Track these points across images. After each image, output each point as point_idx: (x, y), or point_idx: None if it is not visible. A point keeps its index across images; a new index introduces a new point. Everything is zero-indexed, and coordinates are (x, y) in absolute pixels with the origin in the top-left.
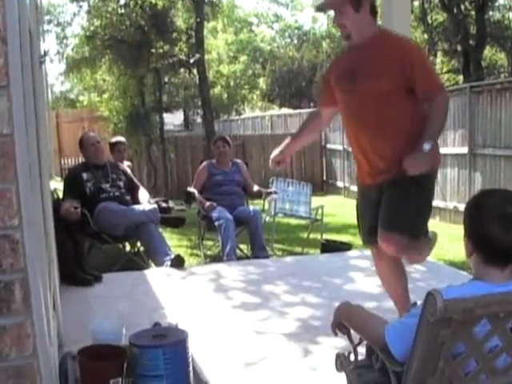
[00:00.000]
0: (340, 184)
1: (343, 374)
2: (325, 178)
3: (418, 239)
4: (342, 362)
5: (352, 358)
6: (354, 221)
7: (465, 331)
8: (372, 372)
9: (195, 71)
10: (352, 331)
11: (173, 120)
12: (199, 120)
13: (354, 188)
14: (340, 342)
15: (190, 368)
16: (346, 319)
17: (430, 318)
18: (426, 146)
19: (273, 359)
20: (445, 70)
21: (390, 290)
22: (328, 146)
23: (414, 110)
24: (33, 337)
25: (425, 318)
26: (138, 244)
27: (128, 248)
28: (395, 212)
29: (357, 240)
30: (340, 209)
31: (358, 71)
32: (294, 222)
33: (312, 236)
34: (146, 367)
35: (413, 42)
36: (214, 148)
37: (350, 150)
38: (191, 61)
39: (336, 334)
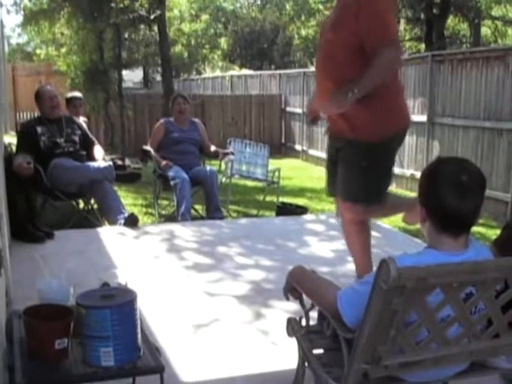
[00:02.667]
0: (298, 147)
1: (294, 339)
2: (283, 141)
3: (377, 203)
4: (293, 326)
5: (304, 323)
6: (311, 185)
7: (418, 300)
8: (323, 338)
9: (156, 28)
10: (304, 296)
11: (132, 77)
12: (159, 78)
13: (313, 152)
14: (292, 306)
15: (139, 330)
16: (299, 283)
17: (384, 285)
18: (343, 93)
19: (224, 322)
20: (407, 37)
21: (350, 248)
22: (288, 109)
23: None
24: None
25: (378, 286)
26: (92, 201)
27: (82, 205)
28: (348, 183)
29: (313, 204)
30: (297, 172)
31: (327, 24)
32: (250, 184)
33: (268, 199)
34: (93, 328)
35: None
36: (173, 105)
37: None
38: (152, 17)
39: (288, 299)
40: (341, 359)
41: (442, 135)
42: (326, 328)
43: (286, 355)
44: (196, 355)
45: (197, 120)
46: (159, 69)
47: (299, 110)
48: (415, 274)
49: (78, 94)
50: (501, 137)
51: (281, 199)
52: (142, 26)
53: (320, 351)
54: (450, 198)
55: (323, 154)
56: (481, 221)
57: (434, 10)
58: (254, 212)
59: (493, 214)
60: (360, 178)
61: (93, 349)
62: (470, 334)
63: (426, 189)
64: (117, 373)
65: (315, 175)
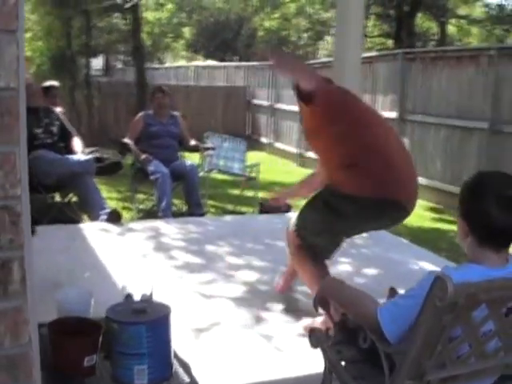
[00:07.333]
0: (264, 140)
1: (295, 342)
2: (247, 133)
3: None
4: (318, 337)
5: (331, 333)
6: (280, 179)
7: (465, 315)
8: (351, 350)
9: (127, 16)
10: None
11: (93, 65)
12: (119, 66)
13: (279, 145)
14: (290, 309)
15: (172, 345)
16: (333, 296)
17: (438, 302)
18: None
19: (225, 326)
20: (376, 33)
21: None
22: (254, 101)
23: None
24: (29, 322)
25: (431, 303)
26: (70, 195)
27: (58, 199)
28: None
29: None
30: (264, 166)
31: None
32: (220, 177)
33: (241, 193)
34: (127, 345)
35: None
36: (153, 98)
37: (277, 106)
38: (128, 5)
39: (317, 311)
40: (367, 371)
41: (413, 132)
42: (362, 342)
43: (292, 361)
44: (200, 361)
45: (176, 113)
46: (120, 56)
47: (266, 103)
48: (466, 290)
49: (55, 82)
50: (471, 136)
51: (252, 194)
52: (116, 14)
53: (342, 363)
54: (496, 212)
55: (289, 148)
56: (451, 218)
57: (405, 8)
58: (230, 207)
59: None
60: (309, 212)
61: (126, 367)
62: (507, 347)
63: (469, 202)
64: None
65: (283, 169)
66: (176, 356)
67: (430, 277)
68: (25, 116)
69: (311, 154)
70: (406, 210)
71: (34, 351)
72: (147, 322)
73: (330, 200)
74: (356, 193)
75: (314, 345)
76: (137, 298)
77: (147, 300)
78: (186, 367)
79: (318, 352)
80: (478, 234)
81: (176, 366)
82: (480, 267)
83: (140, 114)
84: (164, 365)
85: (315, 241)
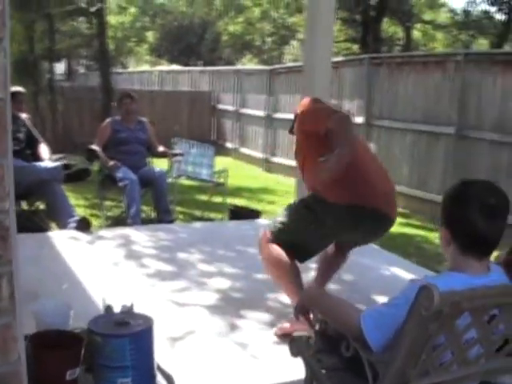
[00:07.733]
0: (229, 145)
1: (271, 350)
2: (212, 138)
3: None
4: (298, 346)
5: (312, 341)
6: (246, 184)
7: (449, 324)
8: (332, 358)
9: (93, 20)
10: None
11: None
12: (82, 70)
13: (244, 150)
14: (264, 317)
15: (155, 358)
16: (315, 304)
17: (424, 311)
18: None
19: (200, 334)
20: (342, 38)
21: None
22: (219, 106)
23: None
24: (18, 339)
25: (417, 312)
26: (37, 203)
27: (24, 207)
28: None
29: (252, 204)
30: (230, 171)
31: None
32: (187, 183)
33: (206, 198)
34: (110, 358)
35: None
36: (120, 105)
37: (242, 111)
38: (93, 9)
39: (298, 319)
40: (349, 380)
41: (379, 137)
42: (345, 350)
43: (269, 369)
44: (178, 371)
45: (144, 119)
46: (83, 61)
47: (231, 108)
48: (451, 298)
49: (20, 88)
50: (438, 141)
51: (219, 199)
52: (81, 18)
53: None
54: (479, 220)
55: (255, 153)
56: (418, 223)
57: (371, 13)
58: (198, 213)
59: (429, 216)
60: (285, 211)
61: (109, 380)
62: (488, 353)
63: (452, 210)
64: None
65: (249, 174)
66: (159, 368)
67: (413, 286)
68: (10, 127)
69: (277, 159)
70: (390, 219)
71: (23, 368)
72: (130, 335)
73: (311, 204)
74: (335, 200)
75: (294, 354)
76: (116, 309)
77: (129, 312)
78: (169, 379)
79: (295, 359)
80: (460, 242)
81: (159, 377)
82: (462, 275)
83: (107, 120)
84: (147, 377)
85: (290, 239)
